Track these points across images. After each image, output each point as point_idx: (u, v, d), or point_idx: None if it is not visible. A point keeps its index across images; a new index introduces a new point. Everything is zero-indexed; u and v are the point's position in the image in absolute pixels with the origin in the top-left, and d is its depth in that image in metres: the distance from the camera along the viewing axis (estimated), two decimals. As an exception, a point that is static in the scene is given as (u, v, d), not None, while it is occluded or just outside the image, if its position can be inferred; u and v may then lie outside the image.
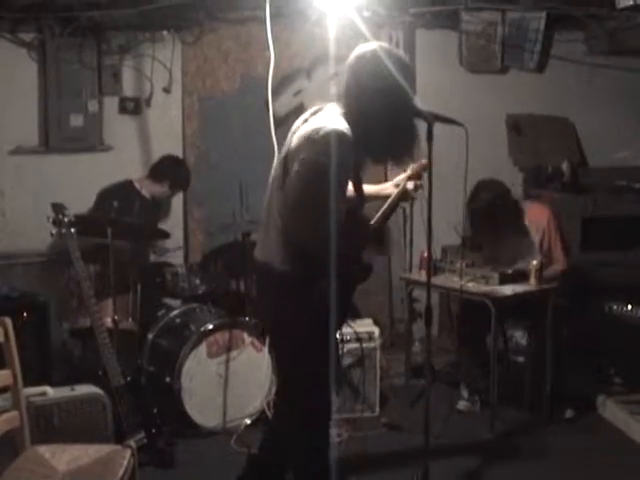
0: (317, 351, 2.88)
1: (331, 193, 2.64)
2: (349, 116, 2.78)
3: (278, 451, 3.23)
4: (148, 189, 5.00)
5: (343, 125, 2.72)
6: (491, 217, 4.36)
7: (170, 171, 5.03)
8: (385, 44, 2.91)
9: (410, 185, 3.14)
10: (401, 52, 2.99)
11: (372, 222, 3.08)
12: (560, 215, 4.60)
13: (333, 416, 3.00)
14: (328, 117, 2.78)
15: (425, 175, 3.14)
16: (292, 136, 2.84)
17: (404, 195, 3.15)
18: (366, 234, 3.05)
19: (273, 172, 2.95)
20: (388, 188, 3.22)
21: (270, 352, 3.31)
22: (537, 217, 4.49)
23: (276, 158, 3.03)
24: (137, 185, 4.99)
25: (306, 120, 2.86)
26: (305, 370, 2.90)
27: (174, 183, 5.04)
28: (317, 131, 2.69)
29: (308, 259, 2.78)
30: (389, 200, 3.13)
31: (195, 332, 4.18)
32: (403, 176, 3.17)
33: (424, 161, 3.09)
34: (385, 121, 2.77)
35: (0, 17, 4.85)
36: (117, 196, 4.58)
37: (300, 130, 2.81)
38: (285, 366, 3.04)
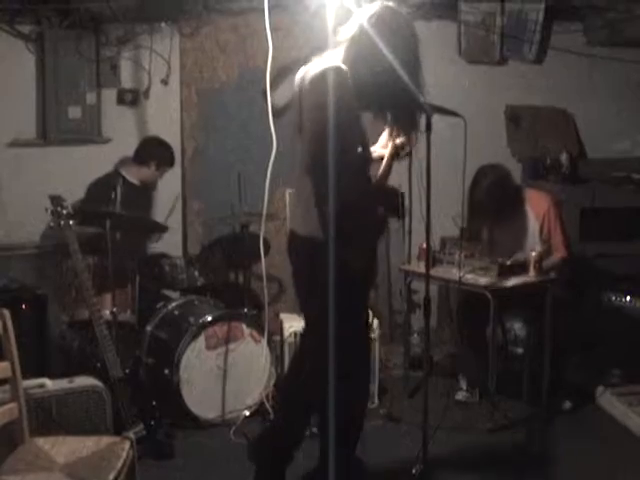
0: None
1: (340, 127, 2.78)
2: (354, 65, 2.91)
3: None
4: (136, 175, 4.95)
5: (337, 62, 2.89)
6: (492, 201, 4.36)
7: (154, 151, 4.98)
8: (392, 5, 3.00)
9: (398, 140, 3.14)
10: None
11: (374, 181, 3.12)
12: (561, 203, 4.59)
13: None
14: (324, 61, 2.95)
15: (424, 166, 3.14)
16: (299, 92, 2.98)
17: (396, 151, 3.15)
18: (374, 191, 3.10)
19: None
20: (377, 151, 3.22)
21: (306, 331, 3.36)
22: (538, 204, 4.48)
23: (275, 147, 3.09)
24: (125, 174, 4.96)
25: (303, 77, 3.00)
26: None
27: (160, 162, 4.97)
28: (316, 75, 2.88)
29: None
30: (384, 160, 3.14)
31: (194, 324, 4.18)
32: (385, 135, 3.19)
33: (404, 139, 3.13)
34: (393, 76, 2.87)
35: (-2, 9, 4.85)
36: (108, 187, 4.55)
37: (304, 82, 2.96)
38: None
